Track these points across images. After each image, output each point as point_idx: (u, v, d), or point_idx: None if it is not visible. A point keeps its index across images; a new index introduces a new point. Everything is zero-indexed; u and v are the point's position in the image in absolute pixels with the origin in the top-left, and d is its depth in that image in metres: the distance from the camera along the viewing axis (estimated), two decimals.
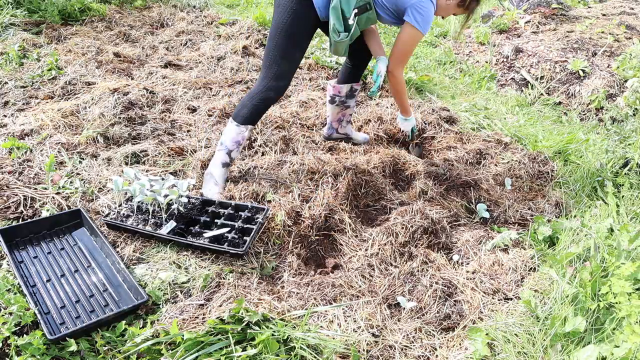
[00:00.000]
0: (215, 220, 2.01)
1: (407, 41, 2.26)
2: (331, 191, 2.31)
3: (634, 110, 3.38)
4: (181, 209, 2.03)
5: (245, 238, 1.91)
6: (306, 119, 3.08)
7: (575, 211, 2.45)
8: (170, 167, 2.44)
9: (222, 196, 2.22)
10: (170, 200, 2.00)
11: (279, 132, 2.84)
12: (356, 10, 2.11)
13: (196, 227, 1.98)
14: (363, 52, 2.51)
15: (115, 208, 2.03)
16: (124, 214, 2.00)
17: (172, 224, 1.93)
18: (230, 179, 2.35)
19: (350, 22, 2.10)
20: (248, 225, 1.98)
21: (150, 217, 1.98)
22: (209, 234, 1.91)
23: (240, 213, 2.07)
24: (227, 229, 1.95)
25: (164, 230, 1.90)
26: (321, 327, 1.64)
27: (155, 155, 2.51)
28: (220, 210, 2.09)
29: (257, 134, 2.78)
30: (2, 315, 1.47)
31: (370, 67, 3.36)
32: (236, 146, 2.24)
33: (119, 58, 3.72)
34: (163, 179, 2.05)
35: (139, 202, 2.01)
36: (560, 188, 2.70)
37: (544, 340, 1.61)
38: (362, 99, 3.59)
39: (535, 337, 1.63)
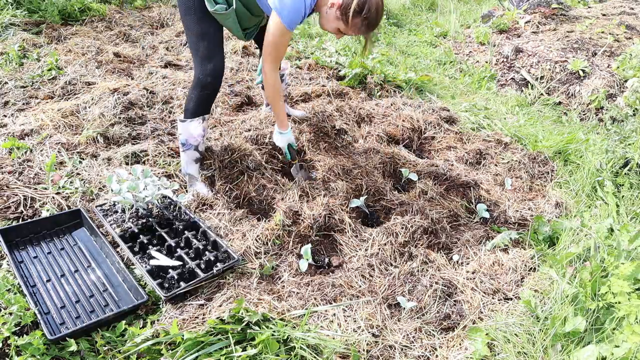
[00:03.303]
0: (177, 249, 1.87)
1: (273, 31, 2.01)
2: (331, 191, 2.31)
3: (634, 110, 3.38)
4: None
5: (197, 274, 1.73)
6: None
7: (575, 211, 2.45)
8: (170, 167, 2.43)
9: (214, 194, 2.22)
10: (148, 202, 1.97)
11: None
12: None
13: (156, 247, 1.87)
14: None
15: (114, 204, 2.04)
16: (116, 210, 2.00)
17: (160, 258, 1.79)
18: (230, 179, 2.35)
19: None
20: (199, 271, 1.75)
21: (127, 219, 1.97)
22: (154, 261, 1.77)
23: (207, 252, 1.86)
24: (179, 263, 1.78)
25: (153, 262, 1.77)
26: (321, 327, 1.64)
27: (155, 155, 2.50)
28: (193, 240, 1.91)
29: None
30: (2, 315, 1.47)
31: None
32: (201, 139, 2.25)
33: (119, 58, 3.72)
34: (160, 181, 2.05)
35: (114, 202, 2.01)
36: (560, 188, 2.70)
37: (544, 340, 1.61)
38: (363, 98, 3.59)
39: (535, 337, 1.63)
